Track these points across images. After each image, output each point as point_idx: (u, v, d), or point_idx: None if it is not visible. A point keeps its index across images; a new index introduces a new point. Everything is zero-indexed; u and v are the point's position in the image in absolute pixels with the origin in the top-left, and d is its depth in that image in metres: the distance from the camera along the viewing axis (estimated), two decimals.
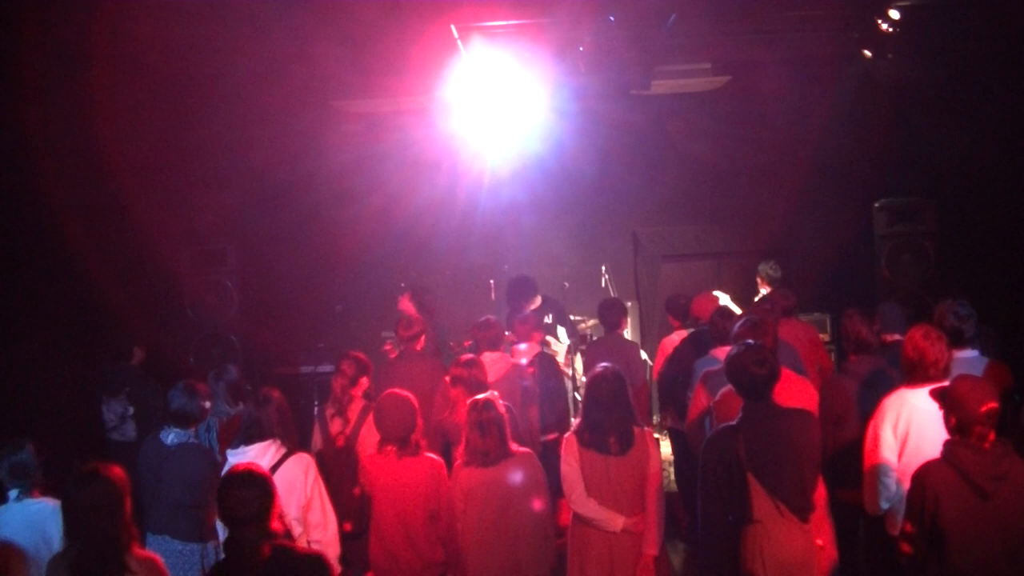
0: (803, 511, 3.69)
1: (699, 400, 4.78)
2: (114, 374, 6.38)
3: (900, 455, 4.09)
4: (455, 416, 4.88)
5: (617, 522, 4.09)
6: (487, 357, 5.56)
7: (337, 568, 3.16)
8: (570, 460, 4.17)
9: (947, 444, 3.52)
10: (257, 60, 6.97)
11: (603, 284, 8.64)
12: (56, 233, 6.66)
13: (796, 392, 4.37)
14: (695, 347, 5.86)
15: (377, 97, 7.96)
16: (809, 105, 7.92)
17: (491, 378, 5.28)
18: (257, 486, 3.05)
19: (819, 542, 3.82)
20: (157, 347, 7.02)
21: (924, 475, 3.50)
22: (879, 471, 4.12)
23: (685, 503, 6.16)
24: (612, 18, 6.33)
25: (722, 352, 4.54)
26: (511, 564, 4.19)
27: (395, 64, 7.18)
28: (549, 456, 4.93)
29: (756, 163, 8.70)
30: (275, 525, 3.09)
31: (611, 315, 6.40)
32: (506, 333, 6.13)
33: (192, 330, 7.95)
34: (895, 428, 4.09)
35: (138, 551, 3.24)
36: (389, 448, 4.20)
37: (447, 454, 4.64)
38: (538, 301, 7.04)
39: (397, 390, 4.32)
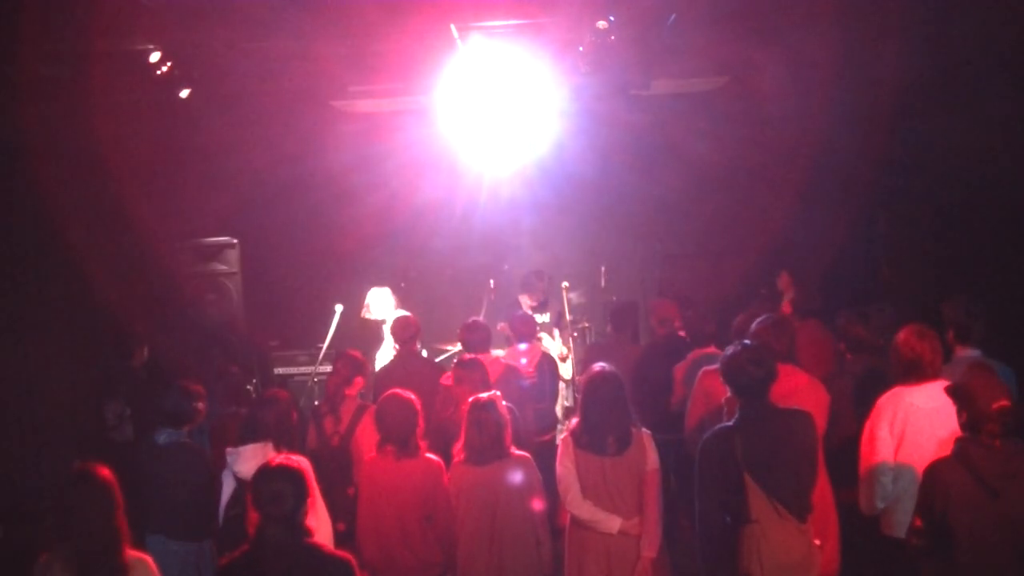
0: (800, 511, 3.69)
1: (697, 404, 4.74)
2: (114, 374, 6.38)
3: (896, 453, 4.09)
4: (457, 415, 4.88)
5: (614, 524, 4.08)
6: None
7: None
8: (566, 462, 4.16)
9: (958, 441, 3.53)
10: (257, 60, 6.97)
11: (602, 284, 8.65)
12: (56, 233, 6.66)
13: (807, 393, 4.36)
14: (666, 352, 5.84)
15: (377, 97, 7.96)
16: (809, 105, 7.91)
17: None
18: (292, 481, 3.03)
19: (817, 542, 3.82)
20: (157, 347, 7.03)
21: (934, 472, 3.51)
22: (876, 471, 4.11)
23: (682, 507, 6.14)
24: (612, 18, 6.32)
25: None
26: (496, 565, 4.19)
27: (395, 64, 7.18)
28: (543, 457, 4.92)
29: (756, 163, 8.68)
30: (307, 522, 3.07)
31: (619, 318, 6.39)
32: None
33: (192, 330, 7.95)
34: (892, 426, 4.09)
35: (130, 551, 3.23)
36: (389, 448, 4.20)
37: (448, 454, 4.65)
38: (534, 299, 7.12)
39: (400, 391, 4.33)
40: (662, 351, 5.96)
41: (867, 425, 4.19)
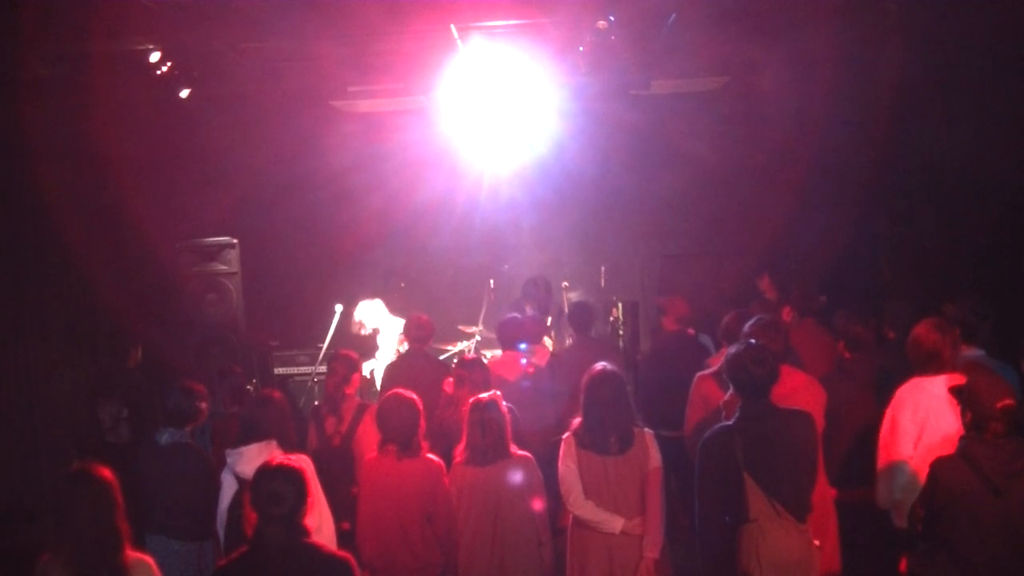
0: (800, 511, 3.69)
1: (695, 408, 4.71)
2: (110, 376, 6.37)
3: (917, 443, 4.05)
4: (459, 415, 4.88)
5: (616, 524, 4.07)
6: (501, 357, 5.60)
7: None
8: (568, 462, 4.16)
9: (962, 439, 3.55)
10: (257, 60, 6.97)
11: (602, 284, 8.64)
12: (56, 233, 6.66)
13: (805, 393, 4.34)
14: (687, 350, 5.83)
15: (377, 97, 7.96)
16: (809, 105, 7.91)
17: (510, 378, 5.34)
18: (291, 481, 3.02)
19: (816, 542, 3.82)
20: (157, 347, 7.03)
21: (937, 469, 3.53)
22: (898, 459, 4.07)
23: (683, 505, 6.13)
24: (612, 18, 6.32)
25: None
26: (497, 565, 4.19)
27: (395, 64, 7.18)
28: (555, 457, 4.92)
29: (756, 163, 8.69)
30: (306, 522, 3.06)
31: (581, 318, 6.39)
32: None
33: (192, 330, 7.94)
34: (914, 415, 4.05)
35: (130, 552, 3.20)
36: (390, 448, 4.20)
37: (450, 455, 4.65)
38: (534, 306, 7.14)
39: (401, 391, 4.33)
40: (676, 348, 5.95)
41: (888, 415, 4.14)
